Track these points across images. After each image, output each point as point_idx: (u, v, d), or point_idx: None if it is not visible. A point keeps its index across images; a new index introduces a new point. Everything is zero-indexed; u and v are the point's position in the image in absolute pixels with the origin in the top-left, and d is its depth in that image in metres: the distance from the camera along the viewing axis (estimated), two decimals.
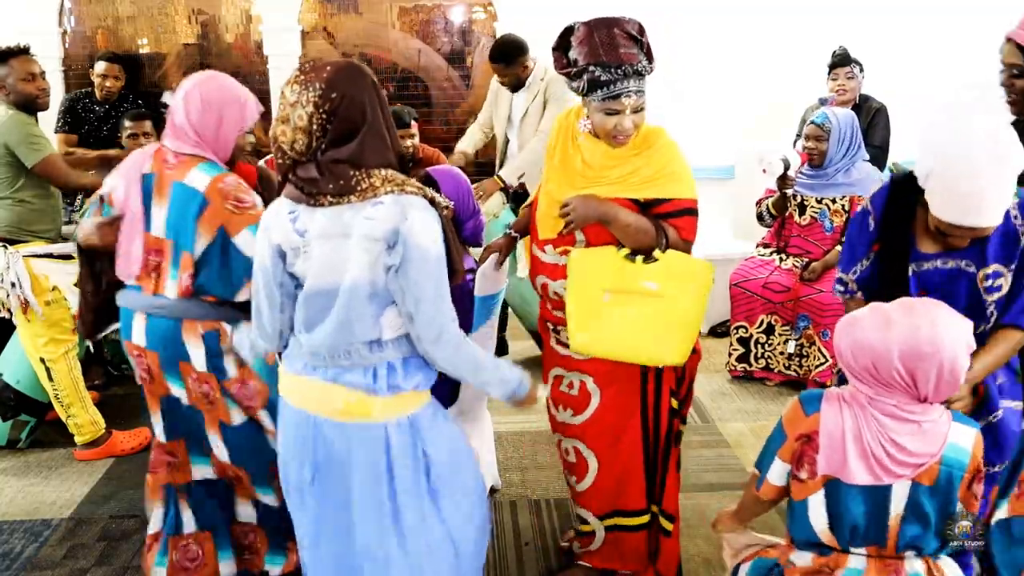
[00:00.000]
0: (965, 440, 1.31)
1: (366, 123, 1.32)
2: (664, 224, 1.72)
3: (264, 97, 4.08)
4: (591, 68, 1.65)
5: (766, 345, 3.20)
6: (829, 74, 3.39)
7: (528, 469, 2.61)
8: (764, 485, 1.42)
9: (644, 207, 1.73)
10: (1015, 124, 1.72)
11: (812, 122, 3.01)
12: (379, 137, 1.34)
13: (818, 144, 3.00)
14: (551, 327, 1.92)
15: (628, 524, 1.93)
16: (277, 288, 1.40)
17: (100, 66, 3.47)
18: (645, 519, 1.92)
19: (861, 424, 1.30)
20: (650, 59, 1.70)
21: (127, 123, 3.06)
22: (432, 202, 1.36)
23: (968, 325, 1.30)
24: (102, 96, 3.50)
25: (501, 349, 3.41)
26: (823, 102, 3.39)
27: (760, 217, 3.22)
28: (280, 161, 1.35)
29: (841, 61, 3.34)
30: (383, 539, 1.42)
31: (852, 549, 1.33)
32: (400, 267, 1.31)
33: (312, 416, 1.41)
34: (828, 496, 1.32)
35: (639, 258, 1.71)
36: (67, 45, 3.89)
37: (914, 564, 1.33)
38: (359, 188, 1.30)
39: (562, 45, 1.74)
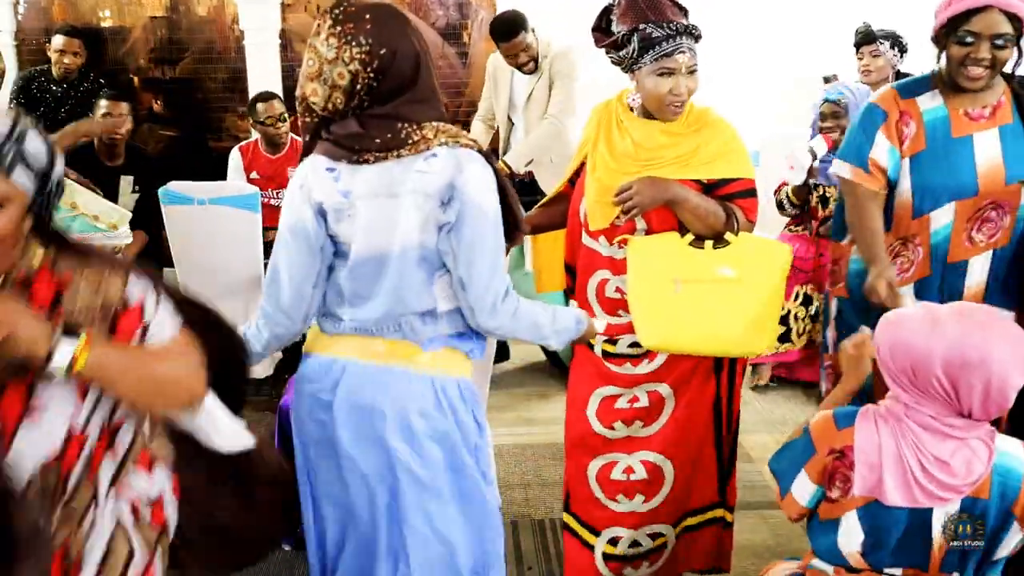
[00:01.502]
0: (1017, 449, 1.29)
1: (417, 77, 1.26)
2: (731, 206, 1.72)
3: (240, 75, 4.03)
4: (641, 26, 1.64)
5: (805, 319, 3.18)
6: (856, 53, 3.37)
7: (531, 486, 2.56)
8: (788, 497, 1.38)
9: (707, 188, 1.73)
10: (955, 90, 1.73)
11: (826, 99, 3.01)
12: (429, 89, 1.28)
13: (837, 121, 2.98)
14: (602, 339, 1.83)
15: (700, 521, 1.93)
16: (319, 253, 1.31)
17: (58, 41, 3.38)
18: (717, 512, 1.94)
19: (899, 440, 1.28)
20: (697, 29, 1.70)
21: (103, 102, 3.03)
22: (488, 157, 1.31)
23: None
24: (60, 74, 3.40)
25: (502, 353, 3.39)
26: (827, 81, 3.39)
27: (780, 205, 3.22)
28: (306, 119, 1.28)
29: (864, 39, 3.32)
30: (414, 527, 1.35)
31: (887, 570, 1.31)
32: (455, 226, 1.26)
33: (340, 361, 1.34)
34: (862, 518, 1.30)
35: (708, 243, 1.70)
36: (19, 17, 3.80)
37: None
38: (410, 141, 1.24)
39: (601, 25, 1.75)
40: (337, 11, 1.24)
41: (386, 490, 1.36)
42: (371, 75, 1.22)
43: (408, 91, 1.25)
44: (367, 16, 1.23)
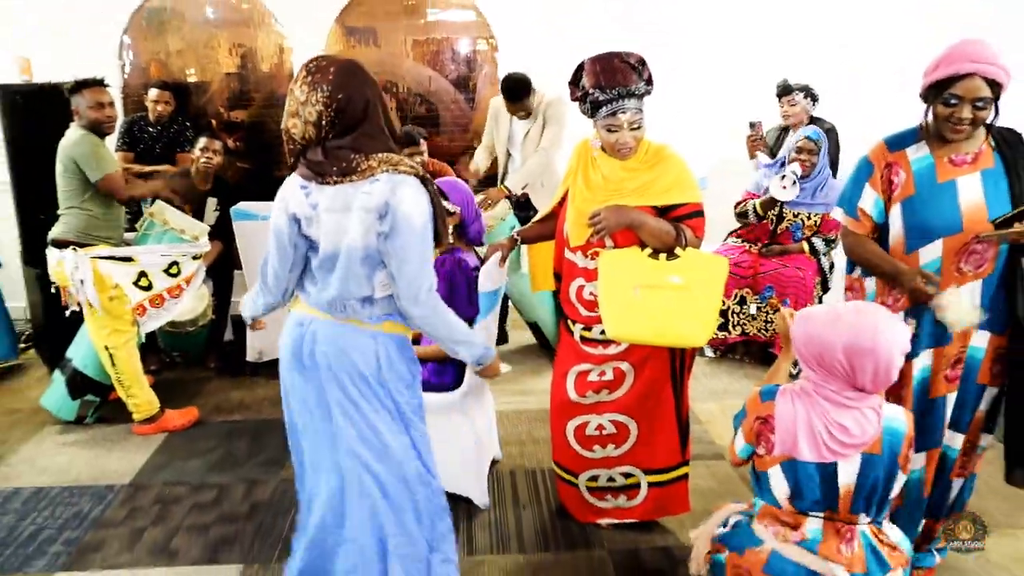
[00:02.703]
0: (899, 414, 1.37)
1: (367, 117, 1.37)
2: (681, 225, 1.82)
3: None
4: (592, 91, 1.75)
5: (740, 314, 3.29)
6: (778, 102, 3.52)
7: (526, 443, 2.67)
8: (732, 446, 1.47)
9: (662, 212, 1.83)
10: (941, 140, 1.67)
11: (807, 137, 3.15)
12: (377, 128, 1.39)
13: (811, 157, 3.13)
14: (580, 328, 1.96)
15: (670, 478, 2.03)
16: (291, 248, 1.45)
17: (152, 92, 3.55)
18: (683, 471, 2.03)
19: (809, 411, 1.35)
20: (649, 83, 1.78)
21: (202, 139, 3.20)
22: (423, 180, 1.40)
23: (906, 332, 1.32)
24: (154, 118, 3.57)
25: (502, 338, 3.46)
26: (752, 125, 3.53)
27: (743, 215, 3.28)
28: (291, 147, 1.41)
29: (783, 91, 3.48)
30: (362, 447, 1.44)
31: (811, 514, 1.37)
32: (389, 234, 1.37)
33: (309, 316, 1.48)
34: (786, 472, 1.37)
35: (662, 256, 1.80)
36: (125, 76, 3.98)
37: (864, 529, 1.37)
38: (359, 169, 1.35)
39: (575, 79, 1.84)
40: (311, 65, 1.37)
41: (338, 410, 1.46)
42: (332, 114, 1.34)
43: (360, 127, 1.37)
44: (331, 70, 1.35)
